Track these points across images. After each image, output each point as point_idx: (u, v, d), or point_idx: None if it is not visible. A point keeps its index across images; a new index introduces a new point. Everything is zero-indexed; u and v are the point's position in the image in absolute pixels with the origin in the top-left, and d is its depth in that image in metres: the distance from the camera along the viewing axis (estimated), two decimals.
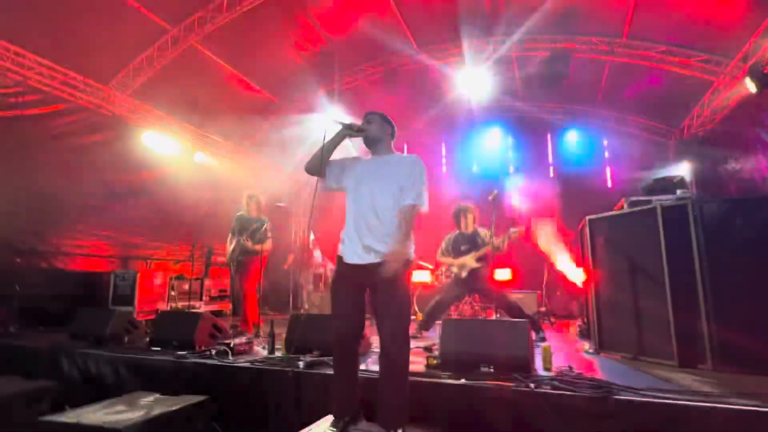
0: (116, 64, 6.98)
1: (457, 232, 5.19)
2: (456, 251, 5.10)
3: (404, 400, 2.40)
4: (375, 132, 2.66)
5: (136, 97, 7.36)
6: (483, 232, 5.03)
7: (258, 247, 5.30)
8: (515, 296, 6.63)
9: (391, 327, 2.38)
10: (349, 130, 2.63)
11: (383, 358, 2.39)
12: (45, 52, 6.11)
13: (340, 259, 2.58)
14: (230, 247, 5.47)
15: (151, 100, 7.58)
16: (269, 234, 5.39)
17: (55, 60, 6.25)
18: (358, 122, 2.73)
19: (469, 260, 4.93)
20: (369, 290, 2.52)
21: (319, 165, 2.59)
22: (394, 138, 2.78)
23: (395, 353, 2.37)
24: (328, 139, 2.64)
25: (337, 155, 2.74)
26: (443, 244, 5.29)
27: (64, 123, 6.48)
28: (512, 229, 4.86)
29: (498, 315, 5.03)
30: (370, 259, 2.44)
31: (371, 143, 2.70)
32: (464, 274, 4.93)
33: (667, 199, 3.88)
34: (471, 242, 5.02)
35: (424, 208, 2.50)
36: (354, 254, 2.49)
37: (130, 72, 7.09)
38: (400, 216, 2.44)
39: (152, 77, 7.10)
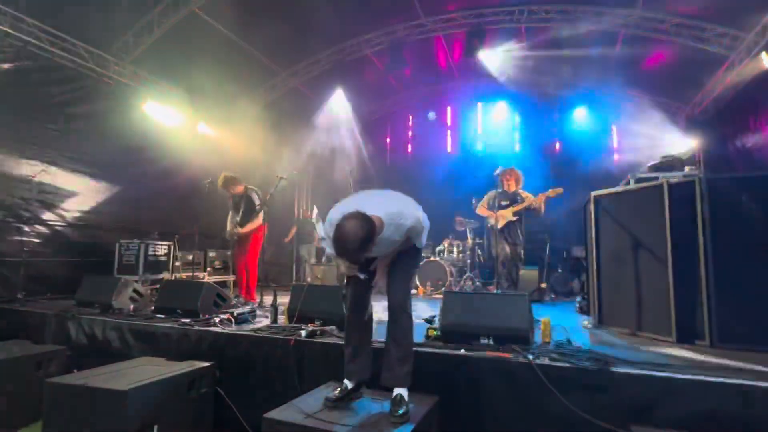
0: (117, 30, 6.83)
1: (500, 190, 5.55)
2: (496, 207, 5.56)
3: (410, 363, 2.54)
4: (375, 252, 2.49)
5: (136, 64, 7.23)
6: (525, 193, 5.47)
7: (248, 226, 5.32)
8: None
9: (401, 295, 2.57)
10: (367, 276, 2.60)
11: (393, 321, 2.57)
12: (44, 17, 5.96)
13: None
14: (228, 223, 5.58)
15: (152, 68, 7.45)
16: (258, 208, 5.38)
17: (55, 25, 6.11)
18: (358, 272, 2.55)
19: (507, 213, 5.43)
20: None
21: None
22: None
23: (405, 317, 2.57)
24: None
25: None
26: (484, 199, 5.74)
27: (64, 90, 6.39)
28: (549, 190, 5.37)
29: (499, 290, 5.09)
30: None
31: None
32: (500, 225, 5.39)
33: (674, 176, 3.83)
34: (512, 199, 5.51)
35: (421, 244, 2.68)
36: None
37: (131, 38, 6.94)
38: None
39: (153, 44, 6.95)
